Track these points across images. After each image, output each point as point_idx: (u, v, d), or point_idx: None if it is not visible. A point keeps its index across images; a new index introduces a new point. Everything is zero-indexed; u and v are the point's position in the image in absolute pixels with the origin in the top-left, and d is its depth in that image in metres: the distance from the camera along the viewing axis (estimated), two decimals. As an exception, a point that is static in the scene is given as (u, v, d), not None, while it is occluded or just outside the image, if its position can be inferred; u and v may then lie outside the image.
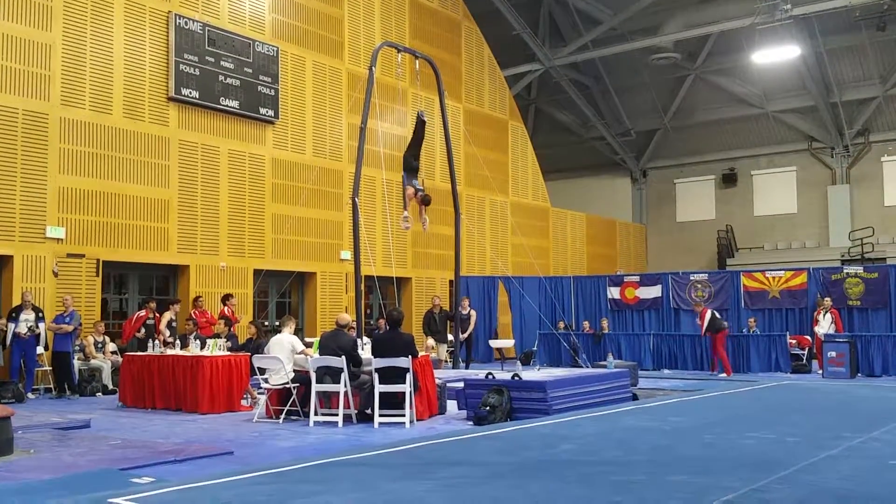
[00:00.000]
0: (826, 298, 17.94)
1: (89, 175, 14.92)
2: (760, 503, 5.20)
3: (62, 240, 14.46)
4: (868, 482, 5.97)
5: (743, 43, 26.98)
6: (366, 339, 12.27)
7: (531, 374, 11.17)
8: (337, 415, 9.88)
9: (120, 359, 13.51)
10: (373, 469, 6.56)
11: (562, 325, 20.70)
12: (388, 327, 10.80)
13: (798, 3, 23.42)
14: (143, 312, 14.90)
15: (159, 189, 15.97)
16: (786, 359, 17.89)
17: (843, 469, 6.43)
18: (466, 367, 16.63)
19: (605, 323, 20.62)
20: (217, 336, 12.70)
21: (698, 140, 32.09)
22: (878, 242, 27.63)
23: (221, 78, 17.00)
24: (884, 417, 9.75)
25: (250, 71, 17.55)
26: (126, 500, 5.30)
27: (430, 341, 16.61)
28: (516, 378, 10.37)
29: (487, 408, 9.76)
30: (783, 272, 19.77)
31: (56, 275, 14.29)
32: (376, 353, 10.09)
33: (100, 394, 13.61)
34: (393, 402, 9.92)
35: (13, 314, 13.26)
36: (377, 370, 9.84)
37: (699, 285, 20.40)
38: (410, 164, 14.02)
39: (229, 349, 12.07)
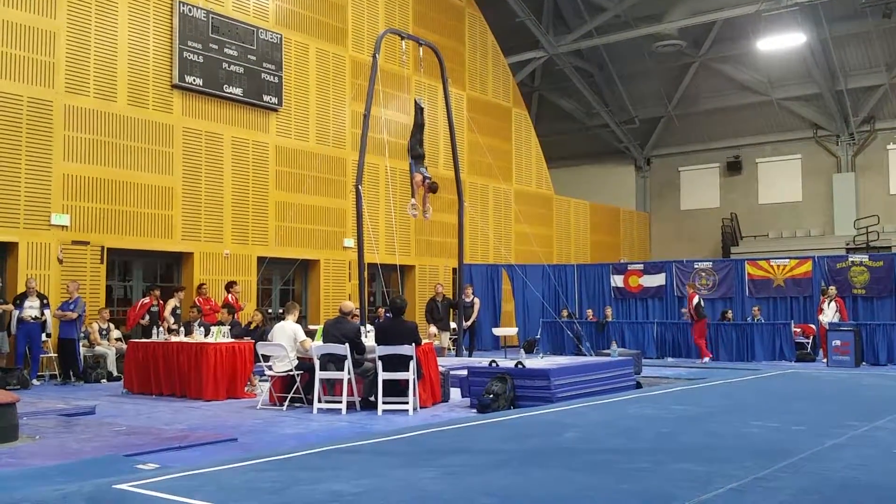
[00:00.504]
0: (831, 287, 17.92)
1: (94, 162, 14.93)
2: (765, 491, 5.19)
3: (67, 227, 14.49)
4: (873, 471, 5.96)
5: (748, 30, 26.85)
6: (369, 326, 12.27)
7: (535, 362, 11.15)
8: (340, 402, 9.88)
9: (124, 345, 13.55)
10: (376, 456, 6.57)
11: (565, 313, 20.71)
12: (388, 315, 10.78)
13: (804, -10, 23.32)
14: (147, 299, 14.95)
15: (163, 176, 15.97)
16: (790, 347, 17.85)
17: (848, 458, 6.42)
18: (469, 355, 16.64)
19: (608, 311, 20.61)
20: (221, 323, 12.72)
21: (703, 128, 31.95)
22: (884, 231, 27.52)
23: (225, 65, 16.97)
24: (888, 406, 9.74)
25: (254, 58, 17.52)
26: (131, 486, 5.32)
27: (433, 329, 16.61)
28: (520, 366, 10.36)
29: (491, 395, 9.75)
30: (788, 260, 19.74)
31: (61, 262, 14.32)
32: (380, 340, 10.09)
33: (104, 380, 13.64)
34: (396, 389, 9.93)
35: (18, 301, 13.29)
36: (381, 358, 9.84)
37: (704, 273, 20.37)
38: (416, 151, 14.01)
39: (234, 336, 12.09)
